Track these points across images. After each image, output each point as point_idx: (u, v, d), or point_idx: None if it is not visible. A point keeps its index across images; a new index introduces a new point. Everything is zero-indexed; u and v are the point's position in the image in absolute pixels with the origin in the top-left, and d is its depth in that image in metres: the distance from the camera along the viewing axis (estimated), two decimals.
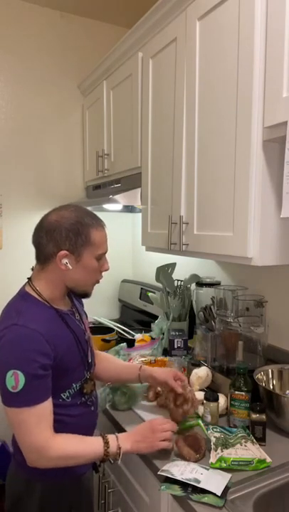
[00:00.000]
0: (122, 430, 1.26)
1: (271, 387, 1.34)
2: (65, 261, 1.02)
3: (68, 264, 1.02)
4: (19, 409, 0.94)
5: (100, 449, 1.00)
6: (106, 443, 1.00)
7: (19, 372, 0.92)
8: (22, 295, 1.06)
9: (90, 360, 1.14)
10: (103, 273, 1.12)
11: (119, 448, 1.01)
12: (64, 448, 0.97)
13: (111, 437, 1.03)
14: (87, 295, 1.12)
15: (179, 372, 1.30)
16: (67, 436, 0.99)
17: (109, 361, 1.34)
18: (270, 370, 1.35)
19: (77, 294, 1.13)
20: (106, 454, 1.00)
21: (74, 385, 1.08)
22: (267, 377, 1.34)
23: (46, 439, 0.95)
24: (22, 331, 0.95)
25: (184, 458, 1.06)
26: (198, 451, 1.07)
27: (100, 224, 1.08)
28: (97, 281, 1.12)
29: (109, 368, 1.32)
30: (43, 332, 0.97)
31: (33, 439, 0.94)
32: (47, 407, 0.97)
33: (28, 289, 1.07)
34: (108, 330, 2.02)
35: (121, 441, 1.03)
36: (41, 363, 0.95)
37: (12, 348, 0.94)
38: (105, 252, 1.10)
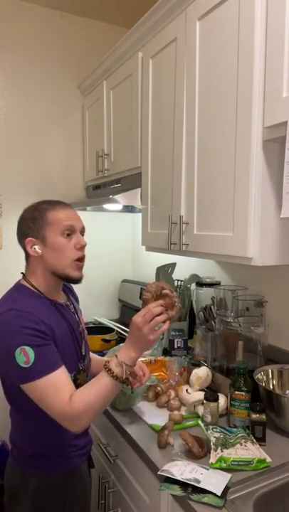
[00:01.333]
0: (122, 430, 1.27)
1: (271, 387, 1.34)
2: (33, 247, 1.08)
3: (37, 249, 1.08)
4: (37, 382, 0.96)
5: (109, 379, 0.99)
6: (109, 370, 0.99)
7: (26, 347, 0.95)
8: (17, 287, 1.11)
9: (83, 353, 1.17)
10: (86, 253, 1.12)
11: (123, 363, 1.00)
12: (80, 402, 0.97)
13: (112, 362, 1.01)
14: (72, 279, 1.10)
15: (165, 284, 1.19)
16: (78, 391, 0.99)
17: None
18: (270, 370, 1.35)
19: (63, 279, 1.11)
20: (116, 377, 0.99)
21: (70, 375, 1.08)
22: (267, 377, 1.34)
23: (65, 404, 0.96)
24: (18, 314, 0.99)
25: (189, 449, 1.06)
26: (202, 447, 1.07)
27: (56, 205, 1.11)
28: (78, 261, 1.10)
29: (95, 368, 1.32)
30: (39, 315, 1.00)
31: (57, 407, 0.96)
32: (62, 374, 0.99)
33: (22, 282, 1.12)
34: (108, 330, 2.02)
35: (121, 357, 1.01)
36: (40, 335, 0.98)
37: (12, 328, 0.97)
38: (72, 227, 1.09)
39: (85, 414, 0.97)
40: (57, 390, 0.96)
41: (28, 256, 1.11)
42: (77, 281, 1.12)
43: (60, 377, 0.98)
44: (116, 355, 1.02)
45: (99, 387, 1.00)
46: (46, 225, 1.07)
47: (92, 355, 1.38)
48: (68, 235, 1.08)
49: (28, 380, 0.97)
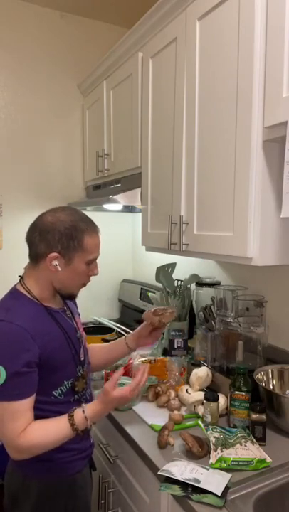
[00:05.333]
0: (122, 430, 1.27)
1: (271, 387, 1.34)
2: (55, 262, 1.04)
3: (58, 266, 1.04)
4: None
5: (68, 430, 1.01)
6: (73, 424, 1.01)
7: (1, 367, 0.94)
8: (12, 293, 1.09)
9: (82, 358, 1.15)
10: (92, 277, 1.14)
11: (86, 419, 1.02)
12: (33, 439, 0.98)
13: (78, 415, 1.03)
14: (72, 297, 1.14)
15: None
16: (35, 426, 0.99)
17: (95, 350, 1.35)
18: (270, 370, 1.35)
19: (63, 295, 1.13)
20: (76, 430, 1.01)
21: (66, 383, 1.08)
22: (267, 377, 1.34)
23: (17, 434, 0.96)
24: (7, 327, 0.97)
25: (189, 449, 1.06)
26: (202, 447, 1.08)
27: (94, 230, 1.08)
28: (84, 285, 1.13)
29: (98, 354, 1.33)
30: (29, 328, 0.98)
31: (8, 434, 0.96)
32: (26, 404, 0.98)
33: (18, 287, 1.09)
34: (108, 330, 2.02)
35: (88, 413, 1.03)
36: (25, 359, 0.96)
37: None
38: (96, 258, 1.10)
39: (33, 448, 0.99)
40: (13, 419, 0.96)
41: (38, 261, 1.06)
42: (74, 298, 1.15)
43: (21, 408, 0.97)
44: (83, 410, 1.03)
45: (57, 432, 1.01)
46: (79, 249, 1.04)
47: (97, 344, 1.39)
48: (90, 263, 1.08)
49: None
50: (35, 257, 1.06)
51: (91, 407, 1.05)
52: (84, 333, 1.29)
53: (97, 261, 1.12)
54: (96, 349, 1.35)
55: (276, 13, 1.01)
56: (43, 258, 1.04)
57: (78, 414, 1.03)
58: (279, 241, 1.15)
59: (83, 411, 1.03)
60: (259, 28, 1.05)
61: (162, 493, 1.04)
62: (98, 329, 2.02)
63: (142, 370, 1.10)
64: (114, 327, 2.08)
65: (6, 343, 0.95)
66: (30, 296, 1.06)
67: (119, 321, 2.29)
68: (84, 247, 1.05)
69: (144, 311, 2.18)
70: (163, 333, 1.77)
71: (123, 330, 2.06)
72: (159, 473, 1.00)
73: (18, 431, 0.96)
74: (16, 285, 1.11)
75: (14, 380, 0.95)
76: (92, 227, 1.08)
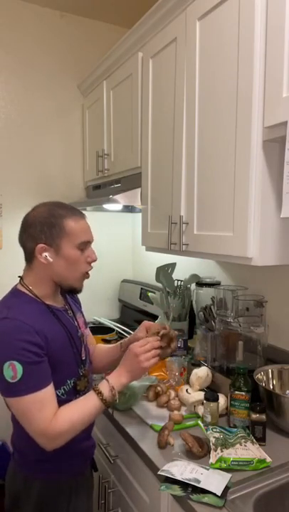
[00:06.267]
0: (122, 430, 1.27)
1: (271, 387, 1.34)
2: (44, 254, 1.04)
3: (48, 257, 1.04)
4: (21, 398, 0.95)
5: (97, 401, 1.02)
6: (99, 393, 1.02)
7: (15, 362, 0.94)
8: (13, 292, 1.09)
9: (83, 358, 1.15)
10: (93, 265, 1.12)
11: (113, 388, 1.03)
12: (64, 422, 0.98)
13: (102, 385, 1.04)
14: (75, 290, 1.11)
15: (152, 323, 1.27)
16: (64, 409, 1.00)
17: (99, 351, 1.35)
18: (270, 370, 1.35)
19: (66, 290, 1.12)
20: (104, 401, 1.02)
21: (68, 382, 1.09)
22: (267, 377, 1.34)
23: (49, 422, 0.96)
24: (12, 323, 0.97)
25: (189, 449, 1.06)
26: (202, 447, 1.08)
27: (74, 214, 1.08)
28: (86, 274, 1.11)
29: (99, 356, 1.33)
30: (33, 324, 0.98)
31: (39, 425, 0.96)
32: (48, 391, 0.98)
33: (19, 286, 1.09)
34: (108, 330, 2.03)
35: (112, 382, 1.04)
36: (35, 351, 0.96)
37: (4, 340, 0.96)
38: (87, 242, 1.09)
39: (67, 432, 0.99)
40: (41, 408, 0.96)
41: (31, 259, 1.07)
42: (79, 292, 1.13)
43: (45, 396, 0.97)
44: (107, 379, 1.04)
45: (87, 407, 1.01)
46: (63, 235, 1.04)
47: (100, 345, 1.38)
48: (82, 248, 1.07)
49: (11, 395, 0.96)
50: (28, 255, 1.07)
51: (112, 374, 1.06)
52: (89, 332, 1.29)
53: (97, 260, 1.11)
54: (97, 351, 1.35)
55: (276, 13, 1.01)
56: (34, 254, 1.05)
57: (102, 383, 1.04)
58: (279, 241, 1.15)
59: (107, 380, 1.04)
60: (259, 28, 1.05)
61: (162, 493, 1.04)
62: (98, 329, 2.02)
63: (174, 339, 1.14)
64: (114, 327, 2.08)
65: (13, 338, 0.96)
66: (31, 295, 1.06)
67: (119, 321, 2.30)
68: (67, 231, 1.04)
69: (144, 311, 2.19)
70: None
71: (123, 330, 2.06)
72: (159, 473, 1.00)
73: (49, 419, 0.96)
74: (16, 285, 1.11)
75: (31, 371, 0.95)
76: (72, 212, 1.07)
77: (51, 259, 1.04)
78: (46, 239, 1.03)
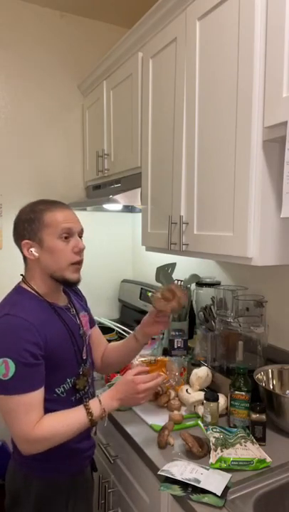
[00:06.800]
0: (122, 430, 1.27)
1: (271, 387, 1.34)
2: (30, 250, 1.06)
3: (34, 252, 1.06)
4: (9, 397, 0.95)
5: (84, 418, 1.01)
6: (89, 412, 1.01)
7: (9, 360, 0.94)
8: (17, 289, 1.10)
9: (84, 357, 1.14)
10: (84, 257, 1.11)
11: (104, 411, 1.03)
12: (48, 431, 0.97)
13: (93, 403, 1.03)
14: (69, 281, 1.08)
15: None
16: (50, 417, 0.99)
17: (110, 349, 1.33)
18: (270, 370, 1.35)
19: (61, 282, 1.10)
20: (91, 421, 1.01)
21: (68, 380, 1.09)
22: (267, 377, 1.34)
23: (32, 426, 0.96)
24: (13, 321, 0.97)
25: (189, 449, 1.06)
26: (202, 447, 1.08)
27: (55, 205, 1.08)
28: (76, 264, 1.08)
29: (111, 354, 1.31)
30: (34, 322, 0.98)
31: (22, 427, 0.96)
32: (37, 396, 0.98)
33: (22, 284, 1.10)
34: (108, 330, 2.02)
35: (104, 404, 1.04)
36: (32, 352, 0.96)
37: (4, 336, 0.96)
38: (69, 229, 1.06)
39: (47, 440, 0.98)
40: (28, 411, 0.96)
41: (24, 258, 1.10)
42: (75, 283, 1.10)
43: (34, 399, 0.97)
44: (100, 400, 1.04)
45: (72, 421, 1.01)
46: (43, 228, 1.04)
47: (113, 343, 1.36)
48: (66, 237, 1.05)
49: (0, 392, 0.96)
50: (22, 255, 1.10)
51: (105, 393, 1.07)
52: (98, 331, 1.30)
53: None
54: (109, 348, 1.34)
55: (276, 13, 1.01)
56: (23, 253, 1.08)
57: (93, 401, 1.04)
58: (279, 241, 1.15)
59: (100, 401, 1.04)
60: (259, 28, 1.05)
61: (162, 493, 1.04)
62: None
63: (159, 377, 1.10)
64: (114, 327, 2.07)
65: (12, 336, 0.96)
66: (34, 293, 1.07)
67: (119, 321, 2.29)
68: (46, 223, 1.05)
69: (144, 311, 2.19)
70: (163, 334, 1.77)
71: (123, 330, 2.06)
72: (159, 473, 1.00)
73: (33, 423, 0.96)
74: (19, 283, 1.12)
75: (24, 373, 0.95)
76: (51, 205, 1.08)
77: (37, 254, 1.06)
78: (29, 234, 1.06)
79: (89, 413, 1.01)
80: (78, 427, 1.01)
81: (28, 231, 1.06)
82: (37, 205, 1.08)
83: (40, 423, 0.97)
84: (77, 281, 1.10)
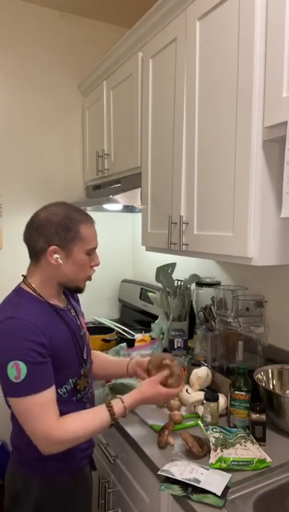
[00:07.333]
0: (122, 430, 1.27)
1: (271, 387, 1.34)
2: (55, 256, 1.04)
3: (59, 259, 1.04)
4: (24, 399, 0.95)
5: (107, 418, 1.03)
6: (112, 412, 1.03)
7: (20, 362, 0.94)
8: (17, 291, 1.09)
9: (85, 357, 1.15)
10: (95, 268, 1.13)
11: (125, 408, 1.06)
12: (70, 430, 0.98)
13: (116, 403, 1.05)
14: (79, 290, 1.13)
15: (166, 355, 1.31)
16: (71, 417, 1.01)
17: (99, 359, 1.35)
18: (270, 370, 1.35)
19: (70, 289, 1.14)
20: (114, 419, 1.04)
21: (70, 381, 1.09)
22: (267, 377, 1.34)
23: (52, 425, 0.96)
24: (17, 323, 0.97)
25: (189, 449, 1.07)
26: (202, 447, 1.08)
27: (88, 220, 1.09)
28: (89, 277, 1.13)
29: (100, 364, 1.33)
30: (38, 324, 0.99)
31: (40, 426, 0.96)
32: (50, 394, 0.98)
33: (23, 285, 1.09)
34: (108, 330, 2.02)
35: (127, 404, 1.06)
36: (39, 351, 0.96)
37: (9, 339, 0.96)
38: (95, 248, 1.10)
39: (70, 440, 0.99)
40: (43, 410, 0.96)
41: (39, 258, 1.06)
42: (82, 291, 1.14)
43: (48, 398, 0.97)
44: (122, 400, 1.06)
45: (96, 420, 1.02)
46: (77, 240, 1.05)
47: (102, 354, 1.39)
48: (89, 253, 1.09)
49: (13, 395, 0.96)
50: (36, 254, 1.06)
51: (129, 395, 1.09)
52: (87, 333, 1.30)
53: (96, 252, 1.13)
54: (100, 358, 1.35)
55: (276, 13, 1.01)
56: (43, 254, 1.05)
57: (116, 402, 1.05)
58: (279, 241, 1.15)
59: (121, 399, 1.06)
60: (259, 28, 1.05)
61: (162, 493, 1.04)
62: (98, 329, 2.02)
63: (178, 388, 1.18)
64: (114, 327, 2.08)
65: (18, 338, 0.95)
66: (35, 294, 1.06)
67: (119, 321, 2.29)
68: (81, 237, 1.05)
69: (144, 311, 2.19)
70: (163, 334, 1.77)
71: (123, 330, 2.06)
72: (159, 473, 1.00)
73: (52, 422, 0.97)
74: (19, 284, 1.11)
75: (35, 372, 0.95)
76: (86, 217, 1.09)
77: (61, 262, 1.05)
78: (60, 241, 1.03)
79: (112, 414, 1.03)
80: (100, 427, 1.03)
81: (61, 237, 1.03)
82: (72, 213, 1.06)
83: (64, 423, 0.98)
84: (84, 290, 1.15)
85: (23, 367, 0.93)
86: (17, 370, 0.93)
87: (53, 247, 1.03)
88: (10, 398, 0.97)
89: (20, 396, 0.95)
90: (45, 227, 1.03)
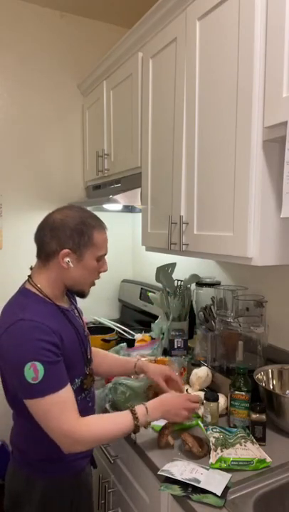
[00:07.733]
0: None
1: (271, 387, 1.34)
2: (67, 259, 1.04)
3: (70, 263, 1.05)
4: (42, 399, 0.95)
5: (131, 423, 1.03)
6: (136, 418, 1.04)
7: (37, 362, 0.94)
8: (23, 292, 1.08)
9: (89, 356, 1.17)
10: (101, 274, 1.15)
11: (148, 419, 1.06)
12: (95, 430, 0.99)
13: (140, 410, 1.06)
14: (83, 294, 1.14)
15: (173, 372, 1.31)
16: (94, 417, 1.02)
17: (101, 356, 1.35)
18: (270, 370, 1.35)
19: (75, 293, 1.15)
20: (136, 425, 1.04)
21: (76, 381, 1.09)
22: (267, 377, 1.34)
23: (74, 424, 0.97)
24: (29, 324, 0.97)
25: (189, 449, 1.06)
26: (202, 447, 1.08)
27: (102, 226, 1.11)
28: (94, 282, 1.14)
29: (101, 363, 1.34)
30: (49, 324, 0.99)
31: (62, 426, 0.96)
32: (68, 392, 0.99)
33: (28, 286, 1.08)
34: (108, 330, 2.02)
35: (150, 413, 1.07)
36: (53, 351, 0.97)
37: (23, 341, 0.95)
38: (105, 254, 1.12)
39: (93, 441, 1.00)
40: (63, 408, 0.96)
41: (48, 260, 1.06)
42: (86, 296, 1.15)
43: (66, 396, 0.98)
44: (146, 408, 1.06)
45: (119, 424, 1.03)
46: (90, 245, 1.06)
47: (104, 352, 1.40)
48: (100, 260, 1.10)
49: (33, 397, 0.95)
50: (46, 255, 1.06)
51: (150, 403, 1.10)
52: (88, 332, 1.31)
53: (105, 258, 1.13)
54: (103, 357, 1.36)
55: (276, 13, 1.01)
56: (54, 256, 1.05)
57: (139, 407, 1.06)
58: (279, 241, 1.15)
59: (146, 409, 1.07)
60: (259, 28, 1.05)
61: (162, 493, 1.04)
62: (98, 329, 2.02)
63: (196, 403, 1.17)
64: (114, 327, 2.08)
65: (33, 339, 0.95)
66: (41, 295, 1.06)
67: (119, 321, 2.29)
68: (94, 243, 1.07)
69: (144, 311, 2.19)
70: (163, 334, 1.77)
71: (123, 330, 2.06)
72: (159, 473, 1.00)
73: (74, 420, 0.97)
74: (24, 284, 1.10)
75: (52, 371, 0.95)
76: (100, 224, 1.11)
77: (72, 265, 1.05)
78: (73, 245, 1.04)
79: (135, 418, 1.03)
80: (123, 432, 1.03)
81: (74, 241, 1.04)
82: (87, 218, 1.08)
83: (87, 423, 0.98)
84: (87, 295, 1.16)
85: (40, 367, 0.93)
86: (34, 371, 0.93)
87: (65, 251, 1.04)
88: (28, 400, 0.97)
89: (39, 397, 0.95)
90: (60, 230, 1.04)
